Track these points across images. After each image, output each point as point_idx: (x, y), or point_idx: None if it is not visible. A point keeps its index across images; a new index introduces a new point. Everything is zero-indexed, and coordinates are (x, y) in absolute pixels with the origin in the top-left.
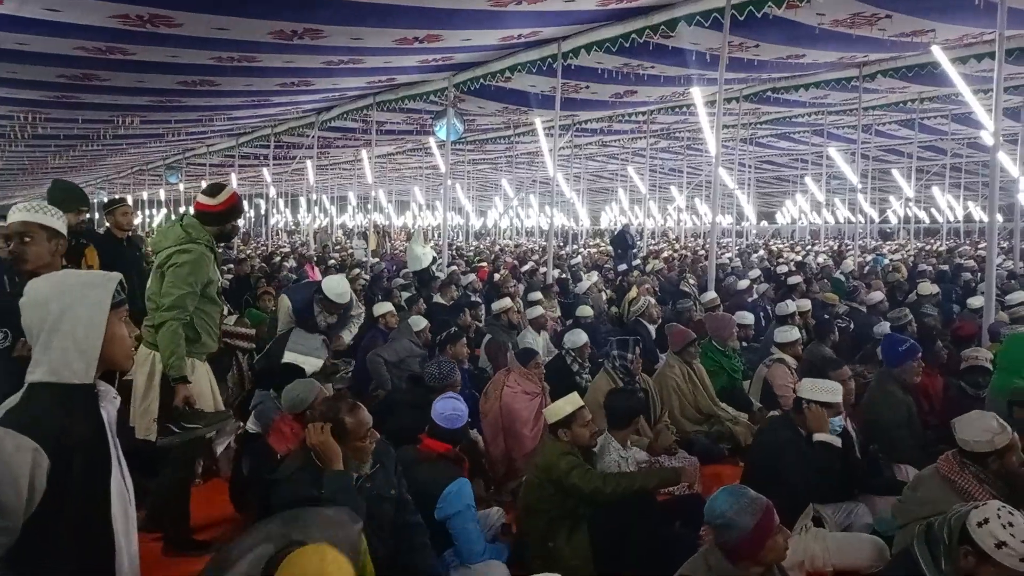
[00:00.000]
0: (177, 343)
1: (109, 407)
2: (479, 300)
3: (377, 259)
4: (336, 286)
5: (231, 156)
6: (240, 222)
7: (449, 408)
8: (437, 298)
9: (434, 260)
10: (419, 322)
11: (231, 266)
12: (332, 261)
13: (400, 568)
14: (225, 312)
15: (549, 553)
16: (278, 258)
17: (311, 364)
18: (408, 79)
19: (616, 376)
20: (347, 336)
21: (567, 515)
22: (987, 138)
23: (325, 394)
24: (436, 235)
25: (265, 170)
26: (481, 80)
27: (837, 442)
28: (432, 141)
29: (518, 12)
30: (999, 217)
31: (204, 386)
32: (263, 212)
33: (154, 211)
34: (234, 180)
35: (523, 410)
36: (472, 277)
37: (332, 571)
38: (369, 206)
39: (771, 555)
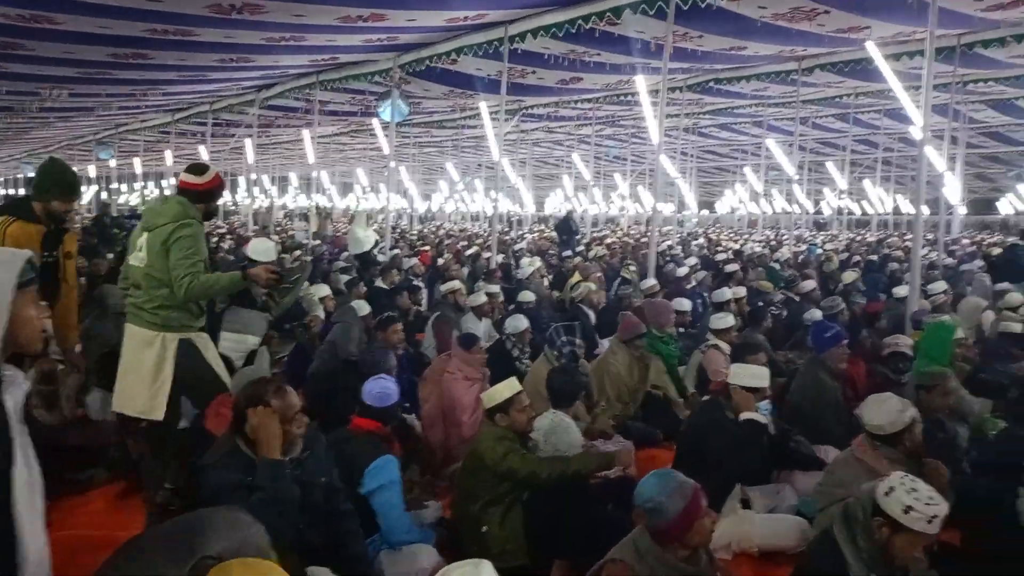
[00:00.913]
0: (211, 285)
1: (15, 392)
2: (420, 285)
3: (318, 241)
4: (259, 245)
5: (167, 132)
6: (221, 202)
7: (378, 387)
8: (379, 282)
9: (376, 243)
10: (363, 307)
11: (78, 226)
12: None
13: (332, 555)
14: None
15: (482, 538)
16: (215, 239)
17: (248, 343)
18: (352, 58)
19: (556, 362)
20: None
21: (501, 500)
22: (916, 133)
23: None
24: (379, 218)
25: (202, 148)
26: (427, 62)
27: (763, 419)
28: (376, 123)
29: None
30: (925, 210)
31: (215, 358)
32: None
33: (83, 188)
34: (169, 158)
35: (463, 396)
36: (414, 261)
37: None
38: (311, 187)
39: (698, 538)
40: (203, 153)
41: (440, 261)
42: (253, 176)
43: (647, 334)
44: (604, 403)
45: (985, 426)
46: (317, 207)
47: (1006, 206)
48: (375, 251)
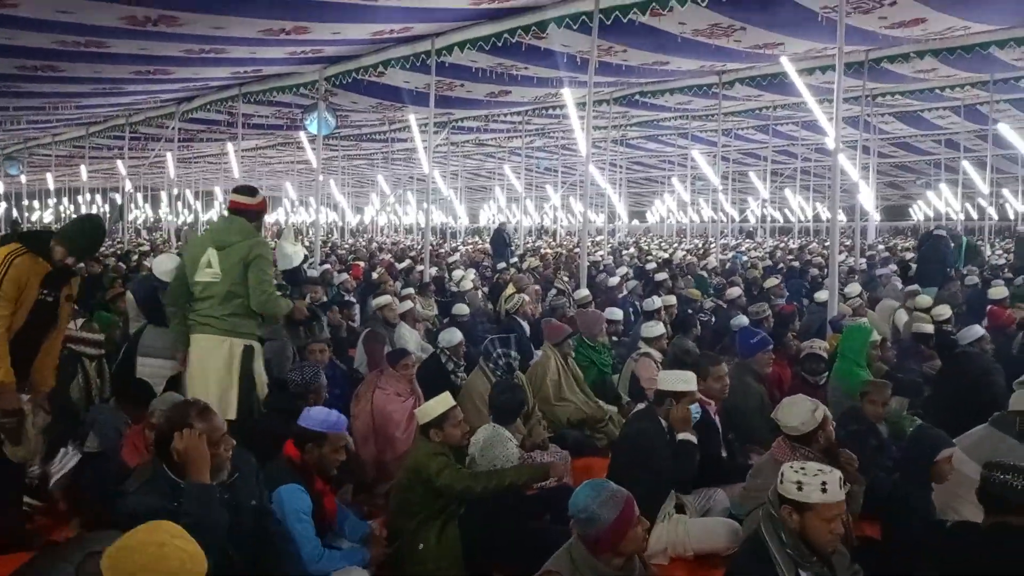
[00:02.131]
0: (278, 304)
1: None
2: (352, 300)
3: None
4: (160, 265)
5: (81, 147)
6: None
7: (324, 413)
8: (308, 299)
9: (306, 259)
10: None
11: (81, 266)
12: None
13: None
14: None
15: (419, 555)
16: (136, 256)
17: (166, 368)
18: (276, 71)
19: (492, 374)
20: None
21: (437, 515)
22: (830, 144)
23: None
24: (309, 232)
25: (120, 162)
26: (354, 74)
27: (694, 439)
28: (303, 136)
29: (389, 7)
30: (843, 217)
31: (262, 368)
32: (119, 207)
33: None
34: (84, 172)
35: (395, 412)
36: (345, 276)
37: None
38: None
39: (632, 546)
40: (121, 168)
41: (374, 275)
42: (176, 191)
43: (580, 344)
44: (539, 413)
45: (903, 423)
46: None
47: (917, 212)
48: (304, 267)
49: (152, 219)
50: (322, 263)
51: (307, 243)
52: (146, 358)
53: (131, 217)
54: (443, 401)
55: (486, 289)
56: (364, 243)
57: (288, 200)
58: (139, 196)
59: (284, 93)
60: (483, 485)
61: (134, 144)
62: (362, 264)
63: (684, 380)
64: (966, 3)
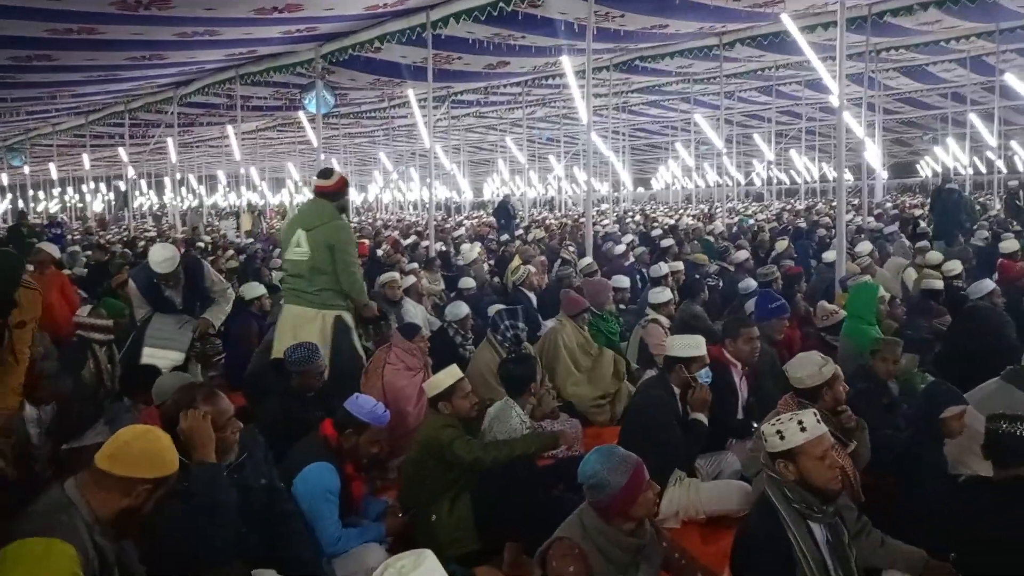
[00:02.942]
0: (361, 285)
1: None
2: None
3: (251, 240)
4: (155, 255)
5: (82, 135)
6: (349, 198)
7: (371, 404)
8: None
9: None
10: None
11: (89, 253)
12: (201, 244)
13: (278, 558)
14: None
15: (432, 527)
16: (143, 243)
17: (171, 358)
18: (272, 51)
19: (500, 346)
20: (214, 319)
21: (449, 487)
22: (834, 102)
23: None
24: None
25: (121, 150)
26: (350, 51)
27: (705, 421)
28: (303, 115)
29: None
30: (849, 176)
31: (355, 335)
32: (124, 194)
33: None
34: (86, 161)
35: (406, 387)
36: None
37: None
38: (241, 185)
39: (642, 510)
40: (123, 155)
41: (379, 252)
42: (179, 176)
43: (588, 314)
44: (548, 383)
45: (914, 380)
46: (249, 204)
47: (924, 168)
48: None
49: (157, 205)
50: None
51: None
52: (154, 348)
53: (136, 204)
54: (451, 373)
55: (492, 262)
56: (369, 221)
57: (292, 181)
58: (143, 183)
59: (281, 73)
60: (493, 455)
61: (134, 131)
62: (367, 242)
63: (693, 345)
64: None
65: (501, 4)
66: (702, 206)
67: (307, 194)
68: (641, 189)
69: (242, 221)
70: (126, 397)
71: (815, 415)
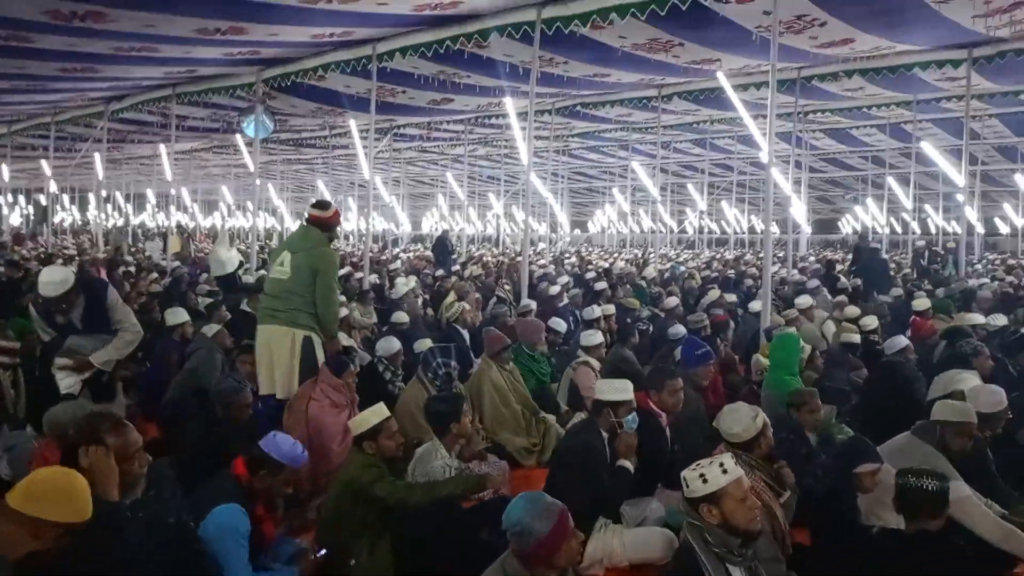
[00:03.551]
0: (337, 310)
1: None
2: None
3: (178, 263)
4: (42, 276)
5: (3, 146)
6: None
7: (290, 444)
8: (244, 306)
9: (241, 264)
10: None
11: (1, 269)
12: (123, 268)
13: None
14: None
15: (349, 570)
16: (60, 260)
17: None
18: (212, 71)
19: (430, 384)
20: (102, 355)
21: (369, 529)
22: (764, 158)
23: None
24: (246, 237)
25: (44, 162)
26: (293, 77)
27: (631, 469)
28: (240, 139)
29: (328, 11)
30: (776, 229)
31: (321, 355)
32: (44, 208)
33: None
34: (5, 172)
35: (331, 424)
36: None
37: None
38: (171, 205)
39: (565, 559)
40: (45, 167)
41: None
42: (104, 193)
43: (519, 353)
44: (478, 423)
45: (831, 431)
46: (178, 226)
47: (845, 225)
48: (240, 272)
49: (80, 221)
50: (258, 269)
51: (243, 248)
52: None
53: (57, 219)
54: (377, 412)
55: (427, 297)
56: None
57: (225, 204)
58: (65, 198)
59: (220, 95)
60: (417, 497)
61: (60, 144)
62: None
63: (621, 389)
64: (891, 25)
65: (448, 42)
66: (636, 251)
67: (241, 219)
68: (578, 231)
69: (170, 243)
70: (29, 425)
71: (733, 458)
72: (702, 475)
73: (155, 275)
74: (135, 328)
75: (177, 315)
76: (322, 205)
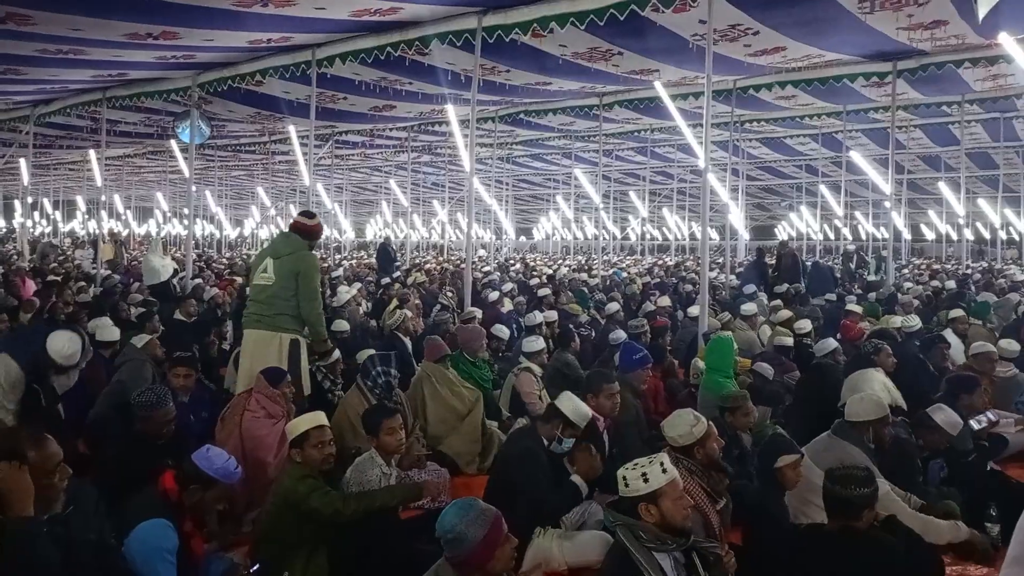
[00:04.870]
0: (321, 316)
1: None
2: (224, 317)
3: (109, 272)
4: (63, 348)
5: None
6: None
7: (223, 459)
8: (178, 314)
9: (175, 273)
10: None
11: None
12: (51, 276)
13: None
14: None
15: None
16: None
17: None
18: (144, 75)
19: (370, 393)
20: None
21: (305, 541)
22: (701, 165)
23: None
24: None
25: None
26: (229, 82)
27: (585, 489)
28: (175, 144)
29: (264, 15)
30: (715, 236)
31: (305, 359)
32: None
33: None
34: None
35: (266, 436)
36: (215, 291)
37: None
38: (103, 212)
39: (500, 565)
40: None
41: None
42: (30, 199)
43: (460, 360)
44: (419, 431)
45: (765, 432)
46: (111, 233)
47: (781, 232)
48: (174, 281)
49: (4, 229)
50: (194, 277)
51: (179, 256)
52: None
53: None
54: (308, 419)
55: (370, 304)
56: (243, 257)
57: (160, 212)
58: None
59: (153, 99)
60: (354, 508)
61: None
62: (239, 279)
63: (582, 415)
64: (820, 34)
65: (388, 49)
66: (580, 257)
67: (177, 227)
68: (523, 238)
69: (101, 250)
70: None
71: (668, 458)
72: (644, 474)
73: (81, 284)
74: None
75: (107, 332)
76: (308, 214)
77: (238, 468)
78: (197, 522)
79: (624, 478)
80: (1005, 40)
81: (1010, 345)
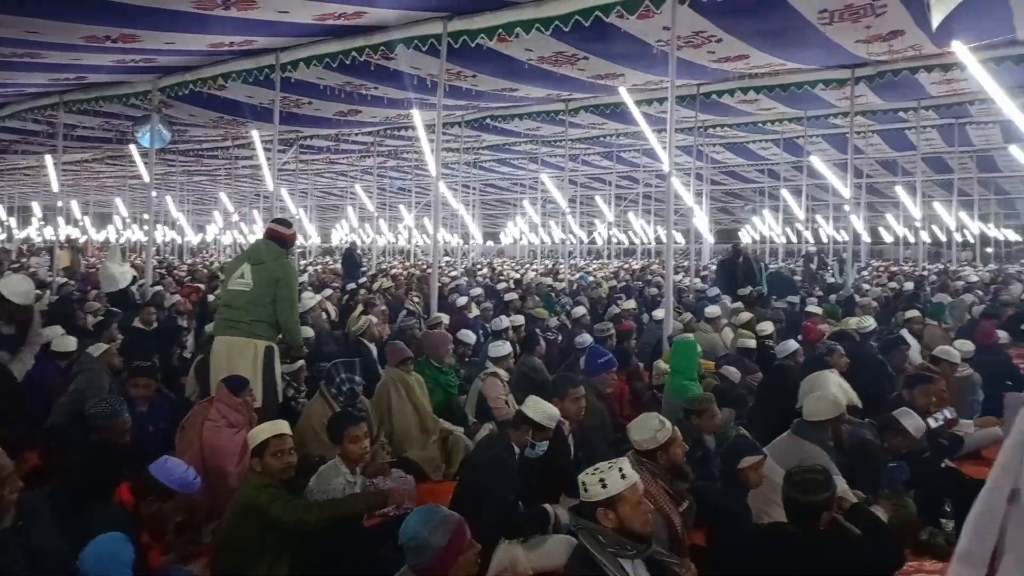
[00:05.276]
0: (297, 321)
1: None
2: (184, 325)
3: (65, 279)
4: (17, 284)
5: None
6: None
7: (181, 469)
8: (137, 322)
9: (134, 280)
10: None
11: None
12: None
13: None
14: None
15: None
16: None
17: None
18: (103, 79)
19: (334, 400)
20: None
21: (267, 551)
22: (666, 169)
23: None
24: (140, 252)
25: None
26: (191, 86)
27: (552, 518)
28: (134, 149)
29: (226, 18)
30: (680, 239)
31: (278, 367)
32: None
33: None
34: None
35: (227, 445)
36: (177, 298)
37: None
38: (60, 218)
39: (462, 572)
40: None
41: (211, 298)
42: None
43: (426, 365)
44: (384, 438)
45: (729, 433)
46: (68, 239)
47: (745, 236)
48: (133, 288)
49: None
50: (155, 284)
51: (139, 262)
52: None
53: None
54: (268, 428)
55: (336, 309)
56: (205, 264)
57: (120, 217)
58: None
59: (113, 103)
60: (316, 516)
61: None
62: (201, 287)
63: (551, 417)
64: (782, 44)
65: (354, 53)
66: (547, 262)
67: (138, 233)
68: (491, 243)
69: (58, 257)
70: None
71: (630, 462)
72: (602, 480)
73: (38, 292)
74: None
75: (64, 343)
76: (285, 223)
77: (196, 478)
78: (155, 534)
79: (583, 483)
80: (958, 48)
81: (964, 346)
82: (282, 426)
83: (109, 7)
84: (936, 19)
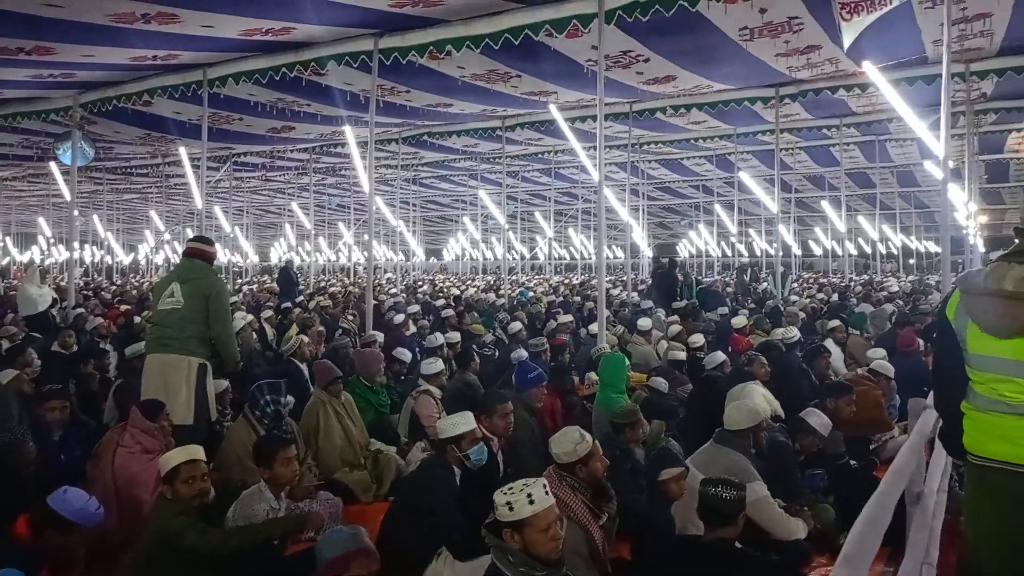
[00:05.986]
0: (232, 335)
1: None
2: (107, 348)
3: None
4: None
5: None
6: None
7: (83, 500)
8: (55, 346)
9: (55, 302)
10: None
11: None
12: None
13: None
14: None
15: None
16: None
17: None
18: (20, 94)
19: (259, 423)
20: None
21: None
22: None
23: None
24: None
25: None
26: (115, 102)
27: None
28: (55, 167)
29: (147, 32)
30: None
31: (211, 383)
32: None
33: None
34: None
35: (142, 472)
36: (99, 321)
37: None
38: None
39: None
40: None
41: (137, 320)
42: None
43: (357, 384)
44: (310, 460)
45: (659, 445)
46: None
47: (683, 250)
48: (53, 311)
49: None
50: (77, 307)
51: (60, 284)
52: None
53: None
54: (179, 453)
55: (273, 329)
56: (134, 285)
57: (43, 237)
58: None
59: (31, 119)
60: (233, 543)
61: None
62: (130, 308)
63: (460, 422)
64: (707, 63)
65: (284, 69)
66: (490, 278)
67: (62, 252)
68: (434, 259)
69: None
70: None
71: (544, 487)
72: (509, 503)
73: None
74: None
75: None
76: (206, 240)
77: (99, 509)
78: (58, 569)
79: (495, 502)
80: (869, 68)
81: (876, 353)
82: (195, 451)
83: (19, 17)
84: (847, 40)
